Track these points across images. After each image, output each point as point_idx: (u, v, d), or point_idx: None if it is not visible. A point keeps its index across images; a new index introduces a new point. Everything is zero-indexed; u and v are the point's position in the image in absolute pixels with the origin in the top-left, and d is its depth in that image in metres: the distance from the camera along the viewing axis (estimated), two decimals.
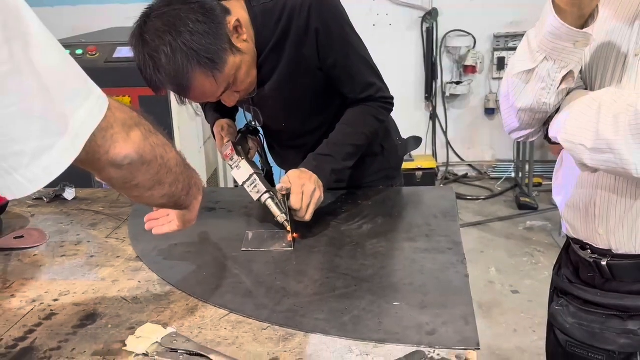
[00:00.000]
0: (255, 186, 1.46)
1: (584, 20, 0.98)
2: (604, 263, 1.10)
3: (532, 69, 1.04)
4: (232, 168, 1.53)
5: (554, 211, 3.98)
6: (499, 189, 4.56)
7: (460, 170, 4.89)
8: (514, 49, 4.47)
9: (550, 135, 1.09)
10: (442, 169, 4.82)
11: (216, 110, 1.74)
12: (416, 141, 1.98)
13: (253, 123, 1.66)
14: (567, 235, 1.20)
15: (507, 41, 4.54)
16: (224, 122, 1.67)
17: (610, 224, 1.07)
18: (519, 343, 2.68)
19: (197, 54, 1.28)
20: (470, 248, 3.61)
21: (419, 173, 4.52)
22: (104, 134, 0.78)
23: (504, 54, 4.55)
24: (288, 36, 1.46)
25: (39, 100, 0.69)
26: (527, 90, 1.06)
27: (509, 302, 3.05)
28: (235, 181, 1.55)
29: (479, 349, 0.98)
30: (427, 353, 0.96)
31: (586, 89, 1.11)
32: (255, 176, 1.48)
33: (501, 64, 4.56)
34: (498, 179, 4.70)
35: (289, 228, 1.39)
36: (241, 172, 1.49)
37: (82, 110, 0.74)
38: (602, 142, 0.95)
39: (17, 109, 0.67)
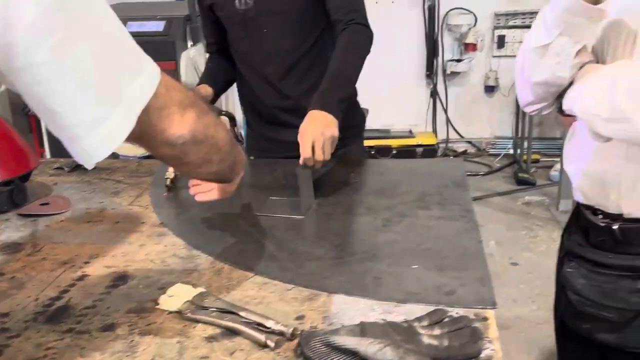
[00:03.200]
0: None
1: None
2: (615, 227, 1.13)
3: (547, 44, 1.06)
4: None
5: (552, 187, 4.02)
6: (498, 165, 4.60)
7: (460, 147, 4.92)
8: (515, 27, 4.51)
9: (565, 107, 1.11)
10: (442, 145, 4.85)
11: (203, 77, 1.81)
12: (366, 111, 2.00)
13: (239, 7, 1.66)
14: (577, 202, 1.23)
15: (508, 19, 4.54)
16: (206, 88, 1.72)
17: (622, 190, 1.10)
18: (518, 312, 2.74)
19: None
20: None
21: (420, 149, 4.55)
22: (159, 113, 0.78)
23: (504, 32, 4.55)
24: None
25: (93, 70, 0.69)
26: (543, 64, 1.09)
27: (508, 273, 3.10)
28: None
29: (496, 307, 1.02)
30: (447, 311, 1.00)
31: (598, 62, 1.13)
32: None
33: (501, 42, 4.57)
34: (497, 155, 4.73)
35: None
36: None
37: (135, 84, 0.73)
38: (616, 112, 0.98)
39: (71, 77, 0.67)
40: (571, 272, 1.21)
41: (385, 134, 4.66)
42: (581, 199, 1.21)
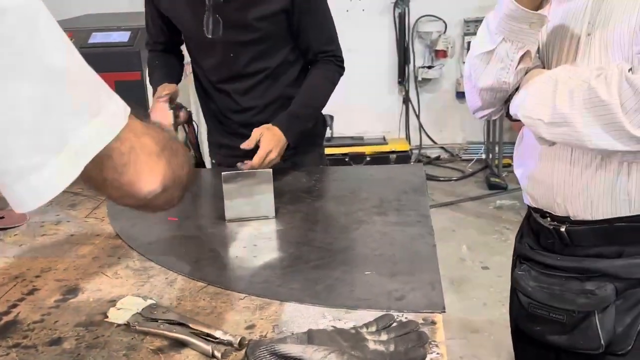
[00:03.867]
0: None
1: (539, 2, 1.02)
2: (563, 229, 1.15)
3: (491, 50, 1.08)
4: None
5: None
6: (470, 170, 4.63)
7: (433, 153, 4.95)
8: None
9: (511, 112, 1.13)
10: (415, 151, 4.87)
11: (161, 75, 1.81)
12: (330, 118, 2.06)
13: (208, 35, 1.65)
14: (528, 205, 1.25)
15: (477, 26, 4.51)
16: (171, 85, 1.72)
17: (568, 193, 1.12)
18: (488, 316, 2.75)
19: None
20: (442, 227, 3.67)
21: (393, 156, 4.56)
22: (126, 161, 0.69)
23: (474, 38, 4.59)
24: None
25: (30, 109, 0.60)
26: (488, 70, 1.10)
27: (479, 277, 3.12)
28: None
29: (445, 311, 1.02)
30: (395, 317, 1.00)
31: (544, 67, 1.15)
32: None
33: None
34: (469, 160, 4.77)
35: None
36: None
37: (87, 128, 0.63)
38: (558, 116, 1.00)
39: (3, 119, 0.59)
40: (522, 274, 1.23)
41: (358, 141, 4.67)
42: (530, 202, 1.22)
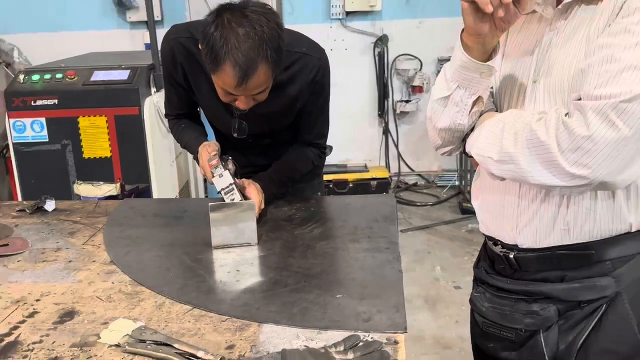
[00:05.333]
0: (232, 194, 1.54)
1: (488, 54, 1.08)
2: (511, 256, 1.19)
3: (447, 96, 1.14)
4: (213, 176, 1.56)
5: None
6: (445, 195, 4.69)
7: (411, 179, 5.01)
8: None
9: (467, 150, 1.18)
10: (395, 178, 4.93)
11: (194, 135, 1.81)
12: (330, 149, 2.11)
13: (234, 135, 1.70)
14: (482, 233, 1.30)
15: None
16: (211, 142, 1.73)
17: (515, 223, 1.17)
18: (460, 333, 2.78)
19: (276, 50, 1.41)
20: (418, 249, 3.72)
21: (374, 182, 4.62)
22: None
23: None
24: (293, 82, 1.63)
25: None
26: (445, 113, 1.16)
27: (451, 296, 3.15)
28: (205, 191, 1.62)
29: (406, 332, 1.06)
30: (362, 337, 1.04)
31: (496, 110, 1.20)
32: (233, 186, 1.55)
33: None
34: (444, 186, 4.83)
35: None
36: (223, 180, 1.55)
37: None
38: (505, 155, 1.05)
39: None
40: (477, 296, 1.27)
41: (342, 168, 4.74)
42: (484, 231, 1.27)
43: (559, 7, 1.09)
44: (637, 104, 0.93)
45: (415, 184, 4.96)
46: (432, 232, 4.03)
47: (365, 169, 4.77)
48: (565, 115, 1.00)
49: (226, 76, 1.40)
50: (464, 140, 1.22)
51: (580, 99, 0.98)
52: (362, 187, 4.51)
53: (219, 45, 1.36)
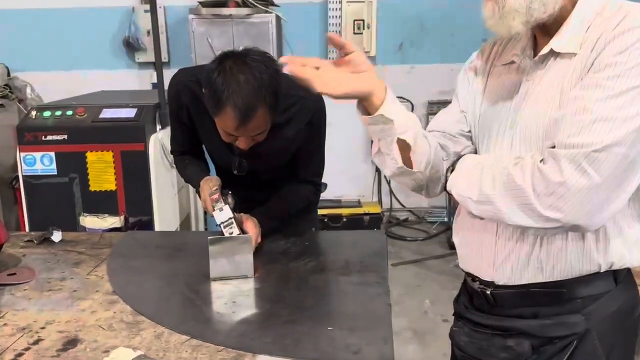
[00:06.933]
0: (231, 228, 1.56)
1: (372, 108, 1.11)
2: (488, 292, 1.20)
3: (378, 150, 1.17)
4: (214, 209, 1.58)
5: None
6: (434, 231, 4.70)
7: (402, 215, 5.03)
8: None
9: (448, 189, 1.21)
10: (387, 213, 4.95)
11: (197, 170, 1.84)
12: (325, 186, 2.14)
13: (234, 172, 1.73)
14: (462, 269, 1.32)
15: (440, 107, 4.76)
16: (212, 177, 1.75)
17: (492, 261, 1.18)
18: None
19: (273, 94, 1.45)
20: (408, 282, 3.71)
21: (367, 217, 4.63)
22: None
23: None
24: (291, 124, 1.66)
25: None
26: (385, 164, 1.18)
27: (440, 329, 3.13)
28: (205, 223, 1.63)
29: None
30: None
31: (476, 153, 1.24)
32: (232, 220, 1.57)
33: None
34: (433, 222, 4.85)
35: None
36: (223, 214, 1.57)
37: None
38: (483, 196, 1.07)
39: None
40: (457, 330, 1.28)
41: (336, 203, 4.76)
42: (464, 267, 1.29)
43: (536, 58, 1.13)
44: (607, 154, 0.95)
45: (406, 220, 4.98)
46: (422, 266, 4.03)
47: (358, 204, 4.79)
48: (541, 161, 1.02)
49: (227, 118, 1.45)
50: (446, 181, 1.25)
51: (554, 147, 1.01)
52: (356, 222, 4.53)
53: (221, 90, 1.41)
